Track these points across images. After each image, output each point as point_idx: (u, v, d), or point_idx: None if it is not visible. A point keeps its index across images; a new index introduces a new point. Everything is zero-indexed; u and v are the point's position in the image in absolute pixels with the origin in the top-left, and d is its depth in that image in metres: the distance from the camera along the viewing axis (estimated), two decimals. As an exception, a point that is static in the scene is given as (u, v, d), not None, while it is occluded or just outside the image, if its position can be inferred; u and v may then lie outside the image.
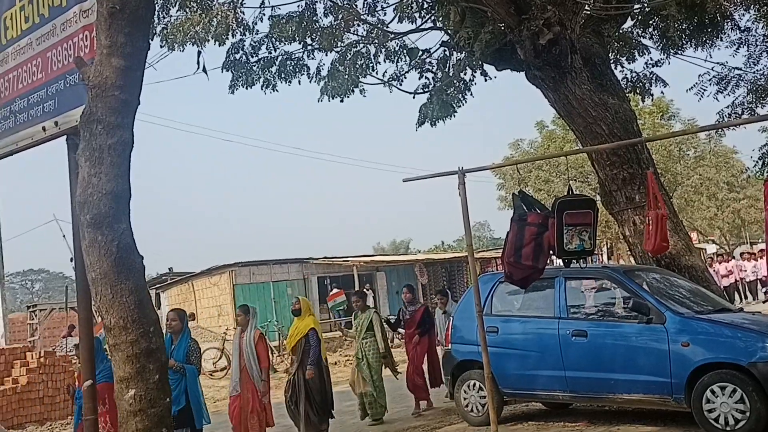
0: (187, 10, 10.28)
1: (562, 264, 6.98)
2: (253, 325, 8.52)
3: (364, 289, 26.47)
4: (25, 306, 32.34)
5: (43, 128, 5.08)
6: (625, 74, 11.71)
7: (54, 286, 73.73)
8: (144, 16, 4.07)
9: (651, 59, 11.79)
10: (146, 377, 3.83)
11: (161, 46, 10.60)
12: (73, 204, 4.35)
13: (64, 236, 25.63)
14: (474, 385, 8.72)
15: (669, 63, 11.78)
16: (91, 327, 4.66)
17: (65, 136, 4.86)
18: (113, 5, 3.90)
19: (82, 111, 4.05)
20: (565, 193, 6.77)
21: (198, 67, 9.67)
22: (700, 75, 12.35)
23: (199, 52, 9.83)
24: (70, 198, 4.53)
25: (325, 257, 27.28)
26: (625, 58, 11.57)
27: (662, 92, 13.49)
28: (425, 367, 10.66)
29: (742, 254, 27.64)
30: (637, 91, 11.93)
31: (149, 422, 3.82)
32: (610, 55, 10.57)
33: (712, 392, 6.87)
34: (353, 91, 11.41)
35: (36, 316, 25.25)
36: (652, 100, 15.55)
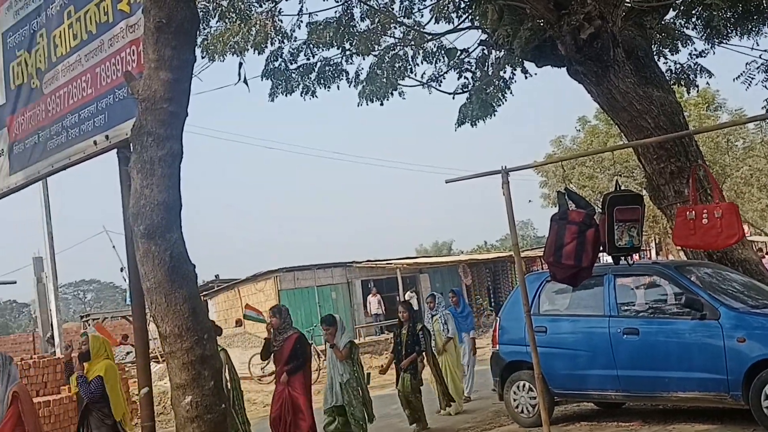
0: (227, 20, 10.44)
1: (612, 261, 6.87)
2: (7, 378, 5.79)
3: (411, 291, 26.43)
4: (78, 316, 33.17)
5: (95, 142, 5.22)
6: (669, 66, 11.50)
7: (105, 296, 75.57)
8: (189, 29, 4.14)
9: (695, 50, 11.55)
10: (202, 384, 3.89)
11: (202, 57, 10.80)
12: (125, 215, 4.45)
13: (113, 247, 26.13)
14: (524, 385, 8.65)
15: (714, 53, 11.51)
16: (147, 335, 4.75)
17: (116, 149, 4.99)
18: (160, 19, 3.97)
19: (133, 124, 4.14)
20: (613, 189, 6.67)
21: (239, 78, 9.80)
22: (747, 63, 11.99)
23: (241, 63, 9.97)
24: (122, 210, 4.63)
25: (368, 260, 27.34)
26: (668, 49, 11.34)
27: (707, 83, 13.21)
28: (304, 410, 7.89)
29: None
30: (682, 83, 11.69)
31: (206, 428, 3.88)
32: (653, 47, 10.37)
33: (772, 388, 6.70)
34: (392, 94, 11.42)
35: (89, 325, 25.86)
36: (698, 91, 15.22)
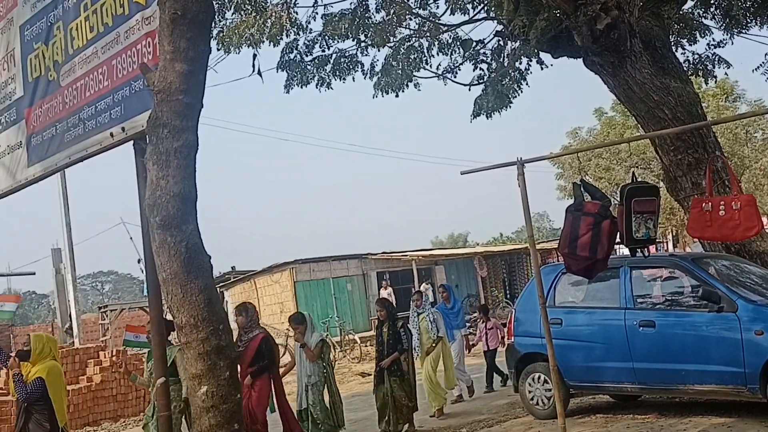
0: (242, 12, 10.45)
1: (628, 253, 6.82)
2: None
3: (426, 283, 26.41)
4: (96, 307, 33.50)
5: (111, 134, 5.26)
6: (687, 56, 11.38)
7: (123, 287, 76.22)
8: (204, 21, 4.16)
9: (713, 40, 11.42)
10: (217, 374, 3.92)
11: (218, 50, 10.83)
12: (142, 207, 4.48)
13: (131, 238, 26.39)
14: (539, 378, 8.63)
15: (732, 43, 11.38)
16: (163, 326, 4.78)
17: (132, 141, 5.02)
18: (175, 11, 3.99)
19: (149, 116, 4.17)
20: (629, 181, 6.62)
21: (253, 70, 9.82)
22: (766, 53, 11.85)
23: (255, 55, 9.98)
24: (139, 201, 4.66)
25: (384, 252, 27.36)
26: (686, 39, 11.22)
27: (726, 73, 13.04)
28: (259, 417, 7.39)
29: None
30: (700, 74, 11.56)
31: (221, 418, 3.91)
32: (670, 37, 10.26)
33: (790, 382, 6.64)
34: (407, 85, 11.41)
35: (107, 316, 26.10)
36: (716, 82, 15.04)
